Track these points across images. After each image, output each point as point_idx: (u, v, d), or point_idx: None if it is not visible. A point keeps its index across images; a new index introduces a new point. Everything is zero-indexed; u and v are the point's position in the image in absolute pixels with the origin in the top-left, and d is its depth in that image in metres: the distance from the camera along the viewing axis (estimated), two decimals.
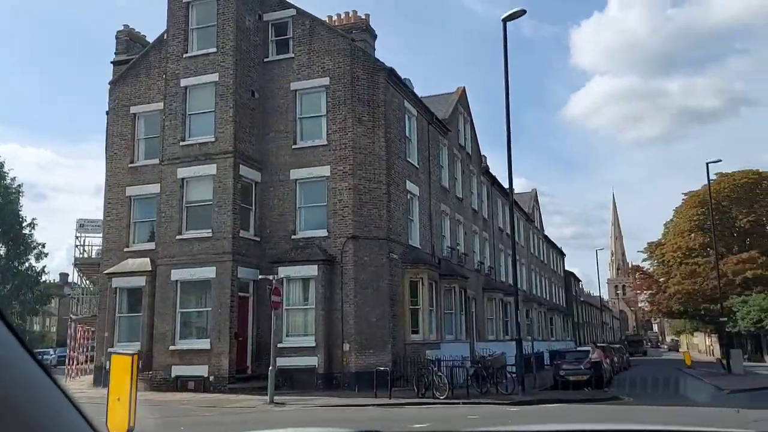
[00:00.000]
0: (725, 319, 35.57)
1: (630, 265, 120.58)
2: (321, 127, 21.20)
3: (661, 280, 60.21)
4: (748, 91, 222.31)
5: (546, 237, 54.12)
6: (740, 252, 55.44)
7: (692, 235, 58.43)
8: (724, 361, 29.06)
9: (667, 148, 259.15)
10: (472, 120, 32.15)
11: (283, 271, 19.89)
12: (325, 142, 20.91)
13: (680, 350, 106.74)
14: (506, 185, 20.35)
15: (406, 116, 23.23)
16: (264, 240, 21.15)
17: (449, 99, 29.63)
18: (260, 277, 19.32)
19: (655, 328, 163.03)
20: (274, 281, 17.31)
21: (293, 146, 21.28)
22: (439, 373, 16.91)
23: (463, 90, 30.52)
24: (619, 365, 33.64)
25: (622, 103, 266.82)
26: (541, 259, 50.72)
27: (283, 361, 19.27)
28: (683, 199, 61.11)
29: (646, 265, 65.03)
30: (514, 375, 19.89)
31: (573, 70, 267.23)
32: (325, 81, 21.16)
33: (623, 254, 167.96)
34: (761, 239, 57.28)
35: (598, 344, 36.74)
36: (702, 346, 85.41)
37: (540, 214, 52.32)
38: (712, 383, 22.11)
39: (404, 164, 22.46)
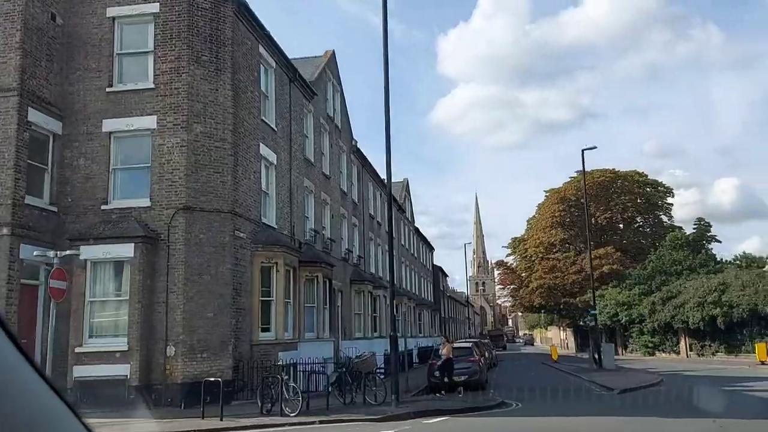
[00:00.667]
0: (596, 312, 35.06)
1: (491, 263, 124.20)
2: (146, 66, 16.36)
3: (524, 275, 60.83)
4: (593, 105, 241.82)
5: (417, 229, 52.10)
6: (597, 248, 57.23)
7: (553, 231, 59.54)
8: (596, 356, 27.96)
9: (525, 155, 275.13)
10: (342, 92, 28.54)
11: (88, 252, 14.93)
12: (152, 86, 16.12)
13: (535, 344, 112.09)
14: (379, 170, 16.85)
15: (262, 66, 19.01)
16: (63, 211, 15.90)
17: (316, 62, 25.77)
18: (56, 259, 14.14)
19: (510, 323, 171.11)
20: (56, 260, 12.40)
21: (108, 89, 16.24)
22: (290, 383, 13.00)
23: (333, 54, 26.80)
24: (489, 362, 31.77)
25: (485, 110, 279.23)
26: (412, 252, 48.50)
27: (82, 371, 14.42)
28: (545, 196, 62.31)
29: (509, 260, 65.76)
30: (382, 377, 16.58)
31: (440, 77, 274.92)
32: (154, 7, 16.34)
33: (484, 253, 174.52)
34: (615, 236, 59.69)
35: (471, 339, 34.79)
36: (556, 339, 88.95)
37: (411, 205, 50.11)
38: (592, 381, 20.29)
39: (258, 123, 18.25)
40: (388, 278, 16.60)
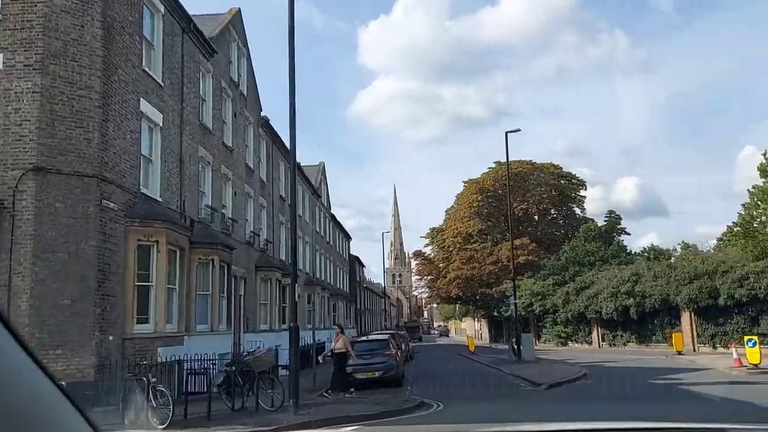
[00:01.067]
0: (516, 300, 34.09)
1: (408, 255, 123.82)
2: None
3: (441, 265, 59.94)
4: (509, 104, 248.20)
5: (333, 216, 49.73)
6: (514, 238, 57.12)
7: (471, 221, 58.95)
8: (515, 347, 26.82)
9: (443, 150, 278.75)
10: (249, 57, 25.65)
11: None
12: None
13: (450, 335, 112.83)
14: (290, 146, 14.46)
15: (147, 9, 15.99)
16: None
17: (220, 20, 22.77)
18: None
19: (426, 314, 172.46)
20: None
21: None
22: (159, 386, 10.36)
23: (238, 12, 23.86)
24: (406, 355, 30.02)
25: (405, 104, 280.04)
26: (327, 239, 46.10)
27: None
28: (464, 186, 61.66)
29: (427, 250, 64.74)
30: (287, 376, 14.14)
31: (361, 68, 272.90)
32: None
33: (402, 245, 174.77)
34: (531, 227, 59.90)
35: (388, 330, 32.92)
36: (470, 330, 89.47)
37: (328, 190, 47.66)
38: (515, 375, 18.82)
39: (138, 75, 15.24)
40: (297, 260, 14.16)
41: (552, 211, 62.07)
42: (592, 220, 56.08)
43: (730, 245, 35.30)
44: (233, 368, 12.64)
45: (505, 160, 60.19)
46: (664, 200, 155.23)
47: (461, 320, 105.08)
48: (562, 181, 60.71)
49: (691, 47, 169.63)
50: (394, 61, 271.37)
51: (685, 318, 33.81)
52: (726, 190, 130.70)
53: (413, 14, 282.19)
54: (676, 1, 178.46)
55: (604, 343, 41.70)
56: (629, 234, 63.19)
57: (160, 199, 15.97)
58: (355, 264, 59.95)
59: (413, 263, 71.76)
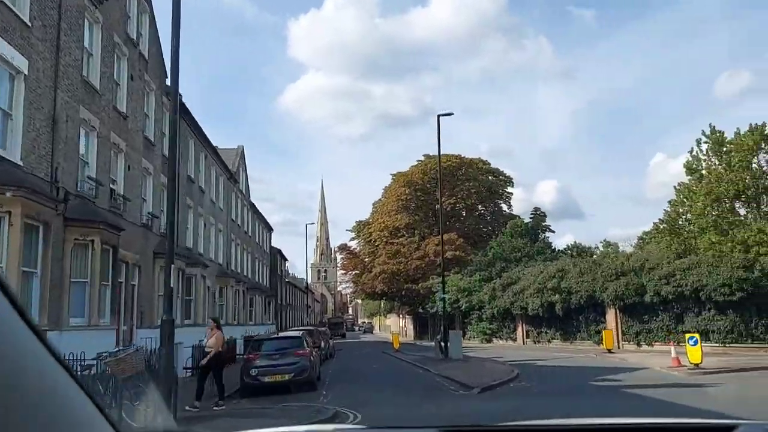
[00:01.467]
0: (445, 295, 32.61)
1: (334, 251, 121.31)
2: None
3: (367, 260, 58.05)
4: (436, 104, 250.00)
5: (253, 205, 46.64)
6: (438, 232, 55.99)
7: (398, 215, 57.38)
8: (442, 344, 25.14)
9: (372, 146, 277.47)
10: (153, 16, 22.56)
11: None
12: None
13: (375, 332, 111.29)
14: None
15: None
16: None
17: None
18: None
19: (351, 311, 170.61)
20: None
21: None
22: None
23: None
24: (325, 353, 27.78)
25: (334, 100, 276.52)
26: (245, 229, 43.03)
27: None
28: (392, 179, 60.02)
29: (353, 244, 62.66)
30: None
31: (290, 61, 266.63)
32: None
33: (328, 240, 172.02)
34: (459, 222, 59.01)
35: (307, 327, 30.56)
36: (395, 327, 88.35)
37: (246, 176, 44.54)
38: (444, 376, 16.98)
39: None
40: (176, 232, 11.59)
41: (479, 207, 61.52)
42: (519, 217, 55.84)
43: (655, 242, 35.27)
44: (89, 372, 9.98)
45: (435, 153, 59.29)
46: (581, 203, 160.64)
47: (386, 317, 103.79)
48: (490, 177, 60.24)
49: (609, 57, 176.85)
50: (324, 55, 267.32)
51: (611, 315, 33.40)
52: (638, 195, 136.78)
53: (344, 10, 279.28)
54: (598, 12, 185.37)
55: (528, 339, 41.05)
56: (554, 232, 63.41)
57: (20, 163, 12.92)
58: (276, 257, 56.99)
59: (339, 257, 69.36)
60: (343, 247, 61.87)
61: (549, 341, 38.69)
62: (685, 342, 15.95)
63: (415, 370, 19.94)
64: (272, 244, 57.16)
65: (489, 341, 45.09)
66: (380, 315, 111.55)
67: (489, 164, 61.05)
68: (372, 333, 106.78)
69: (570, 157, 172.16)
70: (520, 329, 41.96)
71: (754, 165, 30.25)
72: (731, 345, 26.42)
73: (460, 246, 53.55)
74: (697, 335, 15.53)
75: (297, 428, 1.74)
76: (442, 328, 30.38)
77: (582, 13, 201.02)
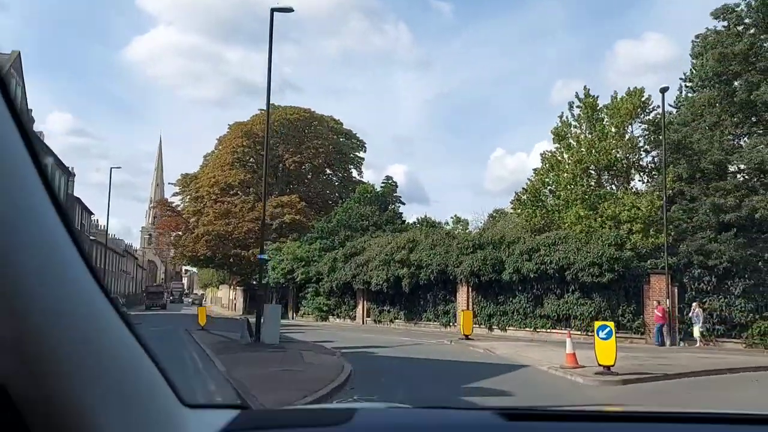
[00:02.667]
0: (266, 257, 26.05)
1: (151, 206, 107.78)
2: None
3: (192, 219, 49.54)
4: (295, 77, 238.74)
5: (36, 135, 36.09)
6: (282, 194, 49.19)
7: (233, 170, 49.53)
8: (252, 325, 18.65)
9: (225, 113, 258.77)
10: None
11: None
12: None
13: (205, 304, 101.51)
14: None
15: None
16: None
17: None
18: None
19: (186, 281, 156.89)
20: None
21: None
22: None
23: None
24: None
25: (185, 59, 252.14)
26: None
27: None
28: (228, 129, 51.78)
29: (177, 200, 53.49)
30: None
31: (140, 12, 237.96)
32: None
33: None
34: (303, 185, 52.49)
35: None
36: (225, 299, 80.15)
37: (26, 96, 34.06)
38: (228, 378, 10.47)
39: None
40: None
41: (327, 171, 55.44)
42: (369, 183, 50.55)
43: (515, 214, 31.63)
44: None
45: (282, 105, 51.98)
46: (426, 190, 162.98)
47: (219, 288, 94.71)
48: (341, 138, 54.35)
49: (462, 51, 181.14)
50: (176, 10, 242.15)
51: (462, 294, 29.17)
52: (478, 186, 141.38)
53: None
54: (455, 5, 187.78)
55: (369, 318, 36.01)
56: (404, 203, 58.94)
57: None
58: (75, 207, 46.24)
59: (154, 215, 59.00)
60: (162, 203, 52.18)
61: (392, 321, 33.88)
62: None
63: (195, 360, 13.18)
64: (73, 192, 46.30)
65: (325, 319, 39.47)
66: (213, 286, 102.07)
67: (342, 124, 55.15)
68: (201, 306, 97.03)
69: (420, 144, 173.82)
70: (360, 306, 36.76)
71: (627, 136, 27.31)
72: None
73: (301, 210, 47.22)
74: (611, 324, 10.66)
75: (342, 404, 1.74)
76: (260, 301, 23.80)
77: (439, 4, 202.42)
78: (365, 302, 36.30)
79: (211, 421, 1.23)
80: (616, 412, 1.61)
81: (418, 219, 47.73)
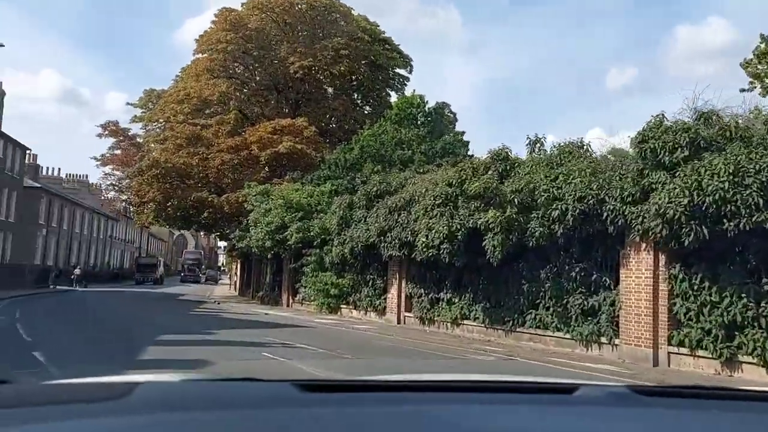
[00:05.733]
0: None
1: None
2: None
3: (152, 146, 33.06)
4: None
5: None
6: (282, 115, 32.38)
7: (213, 79, 32.84)
8: None
9: None
10: None
11: None
12: None
13: (222, 281, 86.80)
14: None
15: None
16: None
17: None
18: None
19: (222, 260, 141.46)
20: None
21: None
22: None
23: None
24: None
25: None
26: None
27: None
28: (213, 20, 34.80)
29: (135, 128, 36.95)
30: None
31: None
32: None
33: None
34: (316, 106, 35.23)
35: None
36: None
37: None
38: None
39: None
40: None
41: (355, 95, 38.11)
42: (415, 94, 32.81)
43: None
44: None
45: None
46: None
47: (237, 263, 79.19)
48: (376, 46, 36.84)
49: (514, 34, 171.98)
50: None
51: (642, 263, 11.82)
52: None
53: None
54: None
55: (409, 314, 19.09)
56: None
57: None
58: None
59: (105, 143, 41.44)
60: (110, 127, 35.33)
61: (457, 321, 16.79)
62: None
63: None
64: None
65: (335, 310, 22.78)
66: (233, 260, 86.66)
67: (377, 27, 37.66)
68: (216, 283, 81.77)
69: (466, 128, 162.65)
70: (394, 290, 19.72)
71: None
72: None
73: (310, 139, 30.27)
74: None
75: (143, 376, 1.43)
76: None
77: None
78: (403, 283, 19.28)
79: None
80: (419, 381, 1.49)
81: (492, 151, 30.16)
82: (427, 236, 15.88)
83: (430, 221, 15.98)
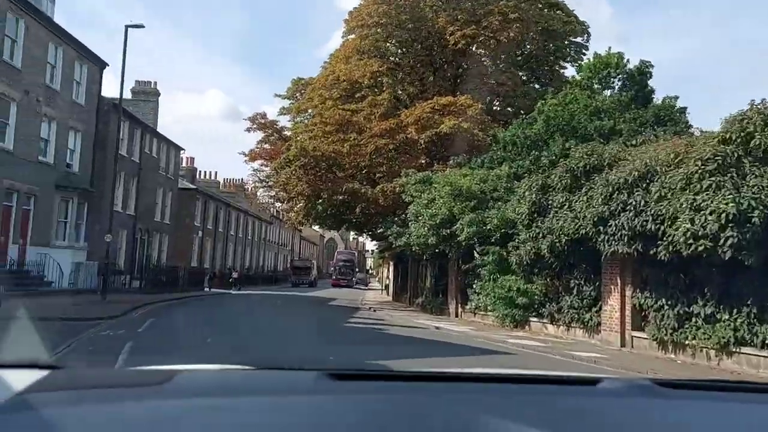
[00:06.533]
0: None
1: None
2: None
3: (300, 139, 30.28)
4: None
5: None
6: (441, 93, 27.95)
7: (364, 59, 29.34)
8: None
9: None
10: None
11: None
12: None
13: (371, 284, 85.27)
14: None
15: None
16: None
17: None
18: None
19: (371, 263, 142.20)
20: None
21: None
22: None
23: None
24: None
25: None
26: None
27: None
28: None
29: (282, 120, 34.48)
30: None
31: (336, 8, 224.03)
32: None
33: None
34: (479, 81, 30.31)
35: None
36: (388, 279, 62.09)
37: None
38: None
39: None
40: None
41: (524, 68, 32.73)
42: (612, 53, 26.63)
43: None
44: None
45: None
46: None
47: (388, 265, 76.73)
48: (550, 12, 31.24)
49: (662, 26, 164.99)
50: None
51: None
52: None
53: None
54: None
55: (641, 333, 13.52)
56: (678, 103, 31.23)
57: None
58: (108, 120, 29.14)
59: (254, 138, 39.05)
60: (258, 119, 32.97)
61: (722, 345, 11.09)
62: None
63: None
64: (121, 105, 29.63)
65: (521, 324, 17.80)
66: (385, 263, 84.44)
67: None
68: (366, 286, 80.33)
69: None
70: (615, 298, 14.25)
71: None
72: None
73: (477, 118, 25.57)
74: None
75: (163, 367, 1.55)
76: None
77: None
78: (628, 290, 13.77)
79: (11, 382, 1.12)
80: (451, 373, 1.57)
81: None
82: (692, 221, 10.37)
83: (697, 198, 10.45)
